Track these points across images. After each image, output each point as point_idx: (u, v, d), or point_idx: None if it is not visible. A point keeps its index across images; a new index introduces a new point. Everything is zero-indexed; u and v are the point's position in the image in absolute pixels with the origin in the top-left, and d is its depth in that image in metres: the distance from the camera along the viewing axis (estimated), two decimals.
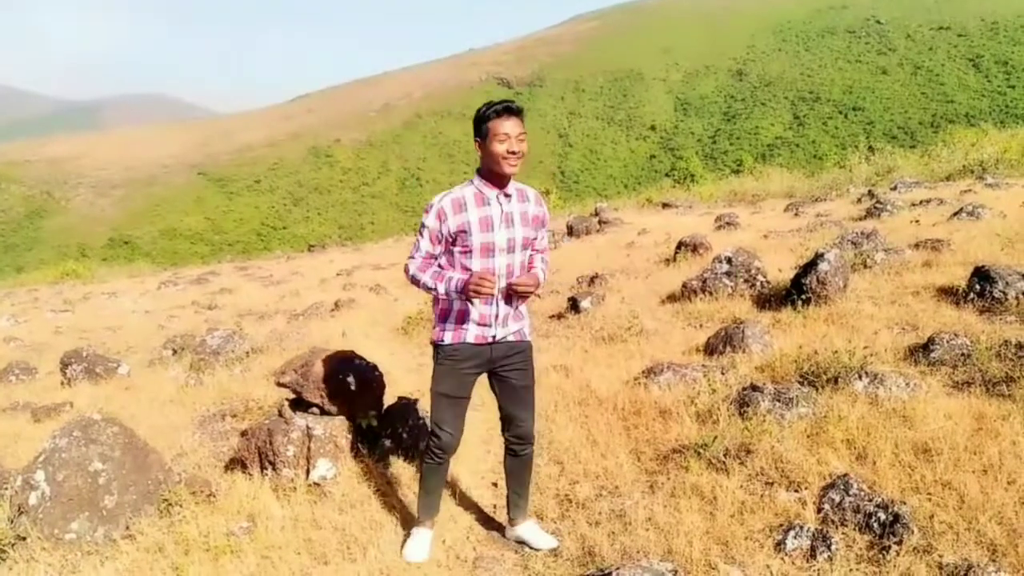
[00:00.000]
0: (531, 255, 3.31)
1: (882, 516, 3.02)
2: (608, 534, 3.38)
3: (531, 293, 3.15)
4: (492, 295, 3.04)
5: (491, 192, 3.12)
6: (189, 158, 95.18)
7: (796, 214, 14.16)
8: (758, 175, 25.26)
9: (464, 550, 3.51)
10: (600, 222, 16.63)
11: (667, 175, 58.29)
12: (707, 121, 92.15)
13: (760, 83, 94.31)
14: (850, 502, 3.16)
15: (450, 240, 3.12)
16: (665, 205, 20.30)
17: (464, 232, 3.08)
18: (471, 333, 3.19)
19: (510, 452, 3.46)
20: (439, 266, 3.21)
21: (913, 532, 2.91)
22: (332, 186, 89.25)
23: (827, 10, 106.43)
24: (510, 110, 3.04)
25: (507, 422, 3.40)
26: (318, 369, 4.33)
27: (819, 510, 3.21)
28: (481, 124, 3.06)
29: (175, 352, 8.44)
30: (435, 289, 3.13)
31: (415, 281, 3.19)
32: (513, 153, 3.03)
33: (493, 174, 3.10)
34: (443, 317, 3.25)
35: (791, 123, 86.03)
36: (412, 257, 3.20)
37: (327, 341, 7.76)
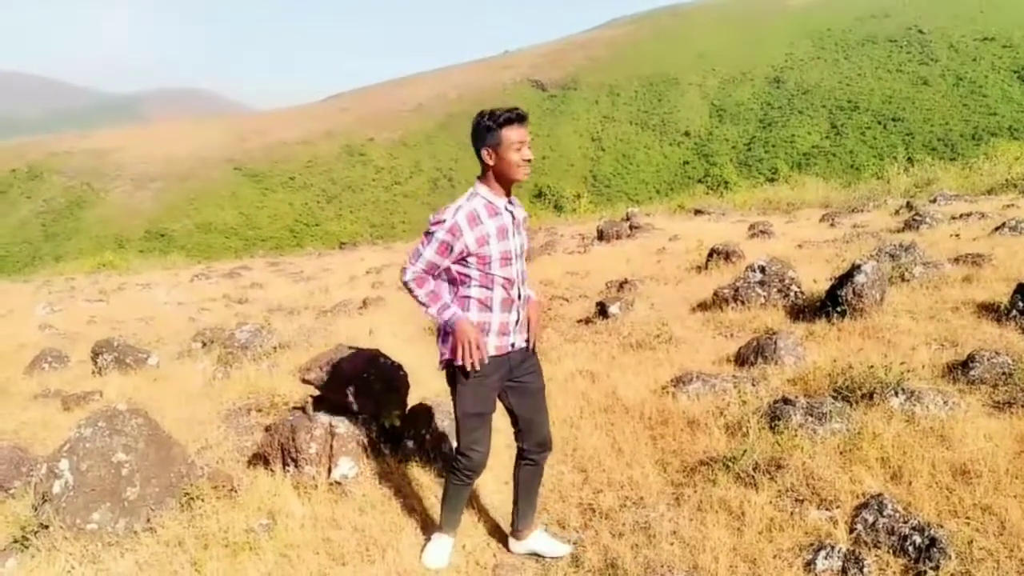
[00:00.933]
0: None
1: (918, 539, 2.91)
2: (631, 546, 3.30)
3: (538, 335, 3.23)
4: (476, 364, 3.01)
5: (500, 201, 3.06)
6: (225, 153, 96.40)
7: (832, 224, 13.93)
8: (793, 184, 24.96)
9: (484, 556, 3.45)
10: (631, 227, 16.50)
11: (700, 181, 57.81)
12: (742, 128, 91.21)
13: (797, 91, 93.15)
14: (884, 523, 3.05)
15: (465, 254, 3.01)
16: (697, 212, 20.10)
17: (485, 244, 3.00)
18: (492, 345, 3.10)
19: (528, 462, 3.37)
20: (441, 276, 3.11)
21: (951, 558, 2.80)
22: (365, 184, 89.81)
23: (868, 18, 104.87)
24: (522, 117, 2.98)
25: (526, 429, 3.31)
26: (343, 367, 4.31)
27: (851, 530, 3.11)
28: (491, 133, 2.96)
29: (204, 345, 8.50)
30: (426, 307, 3.06)
31: (408, 290, 3.07)
32: (528, 161, 3.00)
33: (505, 182, 3.04)
34: None
35: (828, 132, 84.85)
36: (411, 263, 3.03)
37: (354, 339, 7.76)
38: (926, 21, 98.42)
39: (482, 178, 3.07)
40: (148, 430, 3.83)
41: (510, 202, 3.11)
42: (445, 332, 3.11)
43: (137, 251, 48.13)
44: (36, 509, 3.57)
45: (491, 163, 3.00)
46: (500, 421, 3.38)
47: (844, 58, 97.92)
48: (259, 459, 4.42)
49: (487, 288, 3.07)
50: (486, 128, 2.97)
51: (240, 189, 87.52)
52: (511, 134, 2.94)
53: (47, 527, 3.43)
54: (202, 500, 3.75)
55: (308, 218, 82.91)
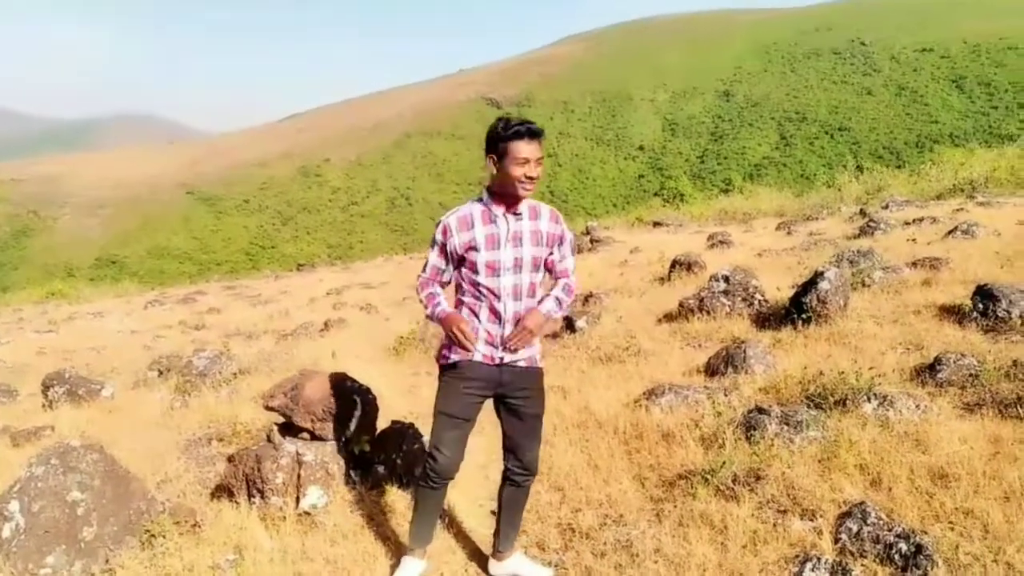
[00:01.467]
0: (556, 281, 3.20)
1: (903, 547, 2.88)
2: (615, 566, 3.22)
3: (526, 343, 3.06)
4: (470, 351, 3.02)
5: (498, 210, 3.00)
6: (178, 177, 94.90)
7: (789, 232, 14.12)
8: (748, 194, 25.32)
9: None
10: (592, 241, 16.55)
11: (656, 194, 58.43)
12: (695, 141, 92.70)
13: (747, 104, 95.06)
14: (869, 532, 3.02)
15: (457, 257, 3.04)
16: (656, 224, 20.26)
17: (471, 250, 2.98)
18: (478, 352, 3.05)
19: (511, 482, 3.27)
20: (442, 284, 3.16)
21: (938, 564, 2.77)
22: (321, 205, 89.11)
23: (813, 32, 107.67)
24: (532, 132, 2.89)
25: (512, 451, 3.22)
26: (308, 392, 4.16)
27: (836, 540, 3.06)
28: (499, 142, 2.90)
29: (161, 373, 8.24)
30: (427, 308, 3.14)
31: (419, 295, 3.19)
32: (530, 178, 2.92)
33: (505, 194, 2.98)
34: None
35: (778, 143, 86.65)
36: (421, 271, 3.18)
37: (316, 362, 7.59)
38: (868, 33, 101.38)
39: (488, 184, 3.06)
40: (104, 465, 3.64)
41: (515, 213, 3.01)
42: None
43: (87, 279, 46.97)
44: None
45: (493, 171, 2.96)
46: (471, 441, 3.29)
47: (791, 71, 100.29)
48: (223, 491, 4.24)
49: (475, 296, 3.05)
50: (497, 137, 2.92)
51: (193, 213, 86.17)
52: (517, 148, 2.88)
53: None
54: (164, 537, 3.56)
55: (264, 240, 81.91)
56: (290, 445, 4.04)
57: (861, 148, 77.86)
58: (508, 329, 3.05)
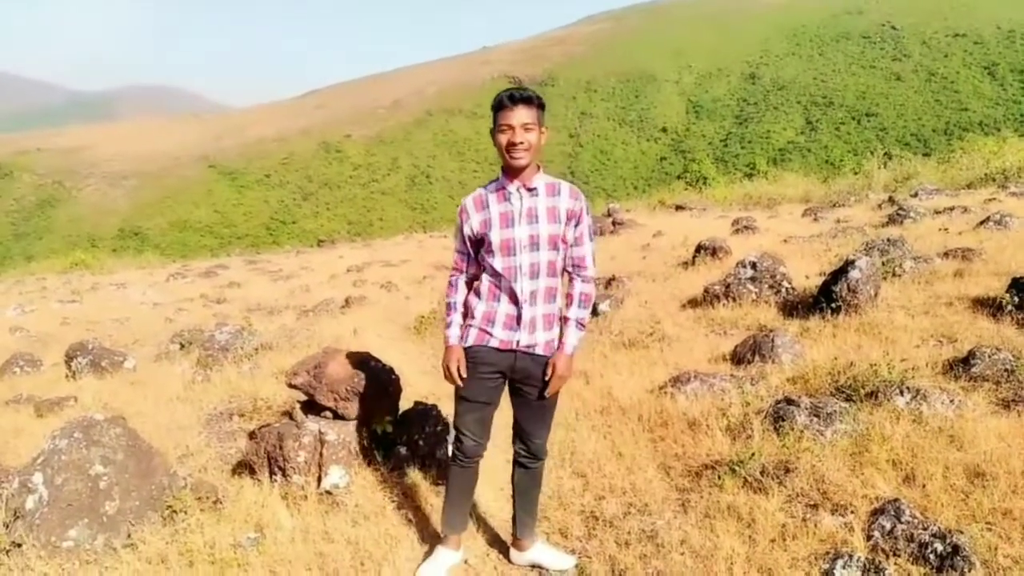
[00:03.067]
0: (571, 281, 3.07)
1: (939, 547, 2.80)
2: (639, 556, 3.16)
3: (559, 387, 3.09)
4: (456, 382, 3.05)
5: (512, 186, 2.93)
6: (200, 151, 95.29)
7: (815, 219, 13.92)
8: (772, 179, 25.00)
9: (485, 569, 3.30)
10: (614, 223, 16.39)
11: (679, 177, 57.90)
12: (719, 124, 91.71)
13: (773, 87, 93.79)
14: (903, 530, 2.94)
15: (475, 240, 2.99)
16: (679, 207, 20.06)
17: (487, 229, 2.93)
18: (496, 338, 2.99)
19: (519, 464, 3.25)
20: (474, 276, 3.12)
21: (975, 566, 2.69)
22: (342, 182, 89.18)
23: (842, 15, 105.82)
24: (513, 98, 2.84)
25: (520, 436, 3.20)
26: (332, 371, 4.13)
27: (868, 537, 2.99)
28: (493, 115, 2.91)
29: (182, 346, 8.26)
30: (447, 312, 3.17)
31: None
32: (515, 144, 2.83)
33: (506, 166, 2.93)
34: (468, 314, 3.08)
35: (803, 128, 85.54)
36: (454, 265, 3.17)
37: (337, 339, 7.58)
38: (899, 18, 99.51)
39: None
40: (127, 440, 3.63)
41: (529, 189, 2.93)
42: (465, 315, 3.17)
43: (110, 250, 47.38)
44: (7, 526, 3.35)
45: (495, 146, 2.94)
46: (498, 426, 3.25)
47: (819, 54, 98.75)
48: (244, 468, 4.23)
49: (494, 278, 3.00)
50: (492, 109, 2.92)
51: (215, 187, 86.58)
52: (500, 116, 2.86)
53: (20, 545, 3.23)
54: (185, 513, 3.55)
55: (284, 215, 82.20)
56: (312, 424, 4.01)
57: (888, 135, 76.72)
58: (526, 310, 2.97)
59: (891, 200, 14.70)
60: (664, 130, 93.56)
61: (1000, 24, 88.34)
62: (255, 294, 14.09)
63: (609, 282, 9.15)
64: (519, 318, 2.97)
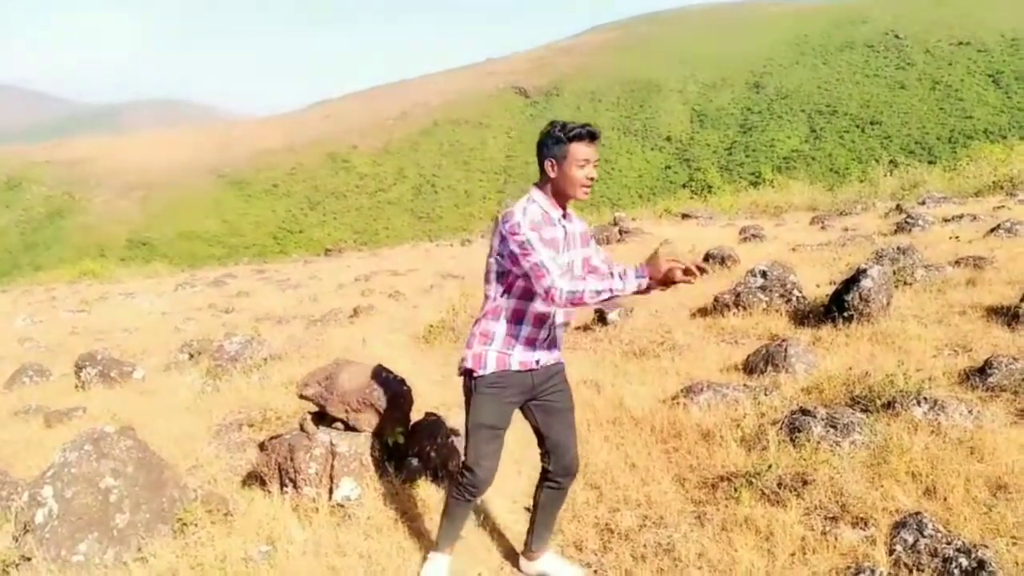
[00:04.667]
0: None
1: (964, 562, 2.74)
2: (656, 571, 3.12)
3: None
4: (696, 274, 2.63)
5: (555, 213, 2.90)
6: (208, 161, 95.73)
7: (822, 227, 13.87)
8: (778, 187, 24.96)
9: None
10: (621, 232, 16.36)
11: (684, 186, 57.96)
12: (723, 133, 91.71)
13: (777, 96, 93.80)
14: (926, 544, 2.89)
15: (515, 256, 2.82)
16: (685, 216, 20.02)
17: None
18: (516, 359, 2.94)
19: (552, 484, 3.17)
20: (503, 279, 2.92)
21: None
22: (348, 191, 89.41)
23: (846, 24, 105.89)
24: (592, 135, 2.82)
25: (552, 451, 3.12)
26: (343, 382, 4.10)
27: (890, 552, 2.93)
28: (558, 145, 2.81)
29: (191, 356, 8.25)
30: (612, 290, 2.70)
31: (576, 298, 2.70)
32: (591, 180, 2.85)
33: (562, 196, 2.89)
34: (485, 340, 2.95)
35: (808, 136, 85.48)
36: (547, 277, 2.71)
37: (347, 349, 7.55)
38: (902, 26, 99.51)
39: (540, 185, 2.92)
40: (138, 452, 3.61)
41: (565, 216, 2.94)
42: (471, 336, 3.01)
43: (119, 259, 47.56)
44: (17, 540, 3.33)
45: (552, 175, 2.85)
46: (507, 436, 3.21)
47: (823, 63, 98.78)
48: (254, 479, 4.20)
49: (524, 299, 2.90)
50: (555, 139, 2.82)
51: (223, 197, 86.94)
52: (578, 150, 2.80)
53: (29, 559, 3.20)
54: (196, 526, 3.52)
55: (292, 225, 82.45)
56: (324, 435, 3.98)
57: (892, 143, 76.62)
58: (550, 334, 2.98)
59: (899, 208, 14.65)
60: (668, 139, 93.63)
61: (1004, 32, 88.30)
62: (263, 303, 14.08)
63: None
64: (542, 340, 2.97)
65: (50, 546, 3.24)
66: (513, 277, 2.88)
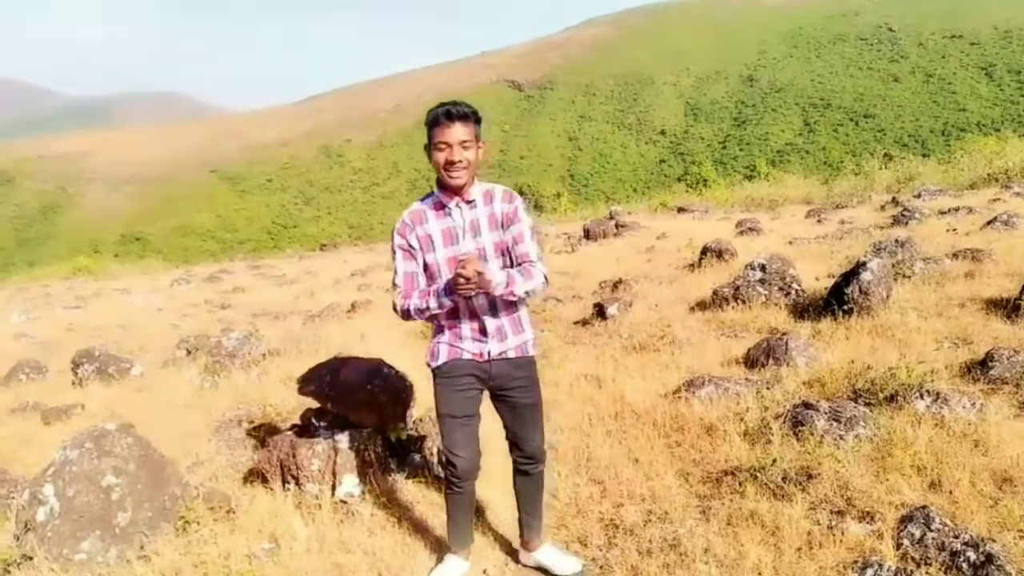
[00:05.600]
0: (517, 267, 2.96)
1: (972, 556, 2.74)
2: (663, 566, 3.10)
3: (470, 286, 2.66)
4: (474, 280, 2.62)
5: (450, 201, 2.88)
6: (201, 156, 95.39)
7: (819, 221, 13.88)
8: (773, 181, 24.97)
9: None
10: (617, 226, 16.35)
11: (679, 179, 57.92)
12: (717, 126, 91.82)
13: (771, 89, 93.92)
14: (933, 538, 2.88)
15: (419, 256, 2.90)
16: (681, 209, 20.03)
17: (427, 247, 2.86)
18: (466, 351, 2.95)
19: (519, 472, 3.20)
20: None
21: (1011, 575, 2.63)
22: (343, 186, 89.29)
23: (839, 17, 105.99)
24: (450, 115, 2.76)
25: (514, 441, 3.15)
26: (344, 378, 4.09)
27: (898, 545, 2.93)
28: (427, 129, 2.82)
29: (189, 353, 8.21)
30: (428, 308, 2.83)
31: (407, 314, 2.88)
32: (453, 163, 2.77)
33: (442, 184, 2.87)
34: (438, 331, 3.01)
35: (801, 129, 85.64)
36: (393, 289, 2.94)
37: (345, 344, 7.52)
38: (895, 19, 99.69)
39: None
40: (139, 450, 3.58)
41: (467, 201, 2.89)
42: (435, 332, 3.04)
43: (113, 255, 47.37)
44: (18, 539, 3.30)
45: (429, 162, 2.86)
46: (498, 428, 3.20)
47: (816, 56, 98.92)
48: (256, 476, 4.18)
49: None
50: (426, 124, 2.84)
51: (216, 191, 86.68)
52: (435, 133, 2.78)
53: (31, 558, 3.18)
54: (199, 523, 3.50)
55: (286, 220, 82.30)
56: (326, 432, 3.97)
57: (886, 135, 76.83)
58: (490, 322, 2.94)
59: (895, 201, 14.66)
60: (663, 133, 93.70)
61: (997, 25, 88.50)
62: (260, 299, 14.04)
63: (616, 285, 9.10)
64: (484, 330, 2.95)
65: (52, 545, 3.21)
66: (429, 275, 2.92)
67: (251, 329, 7.92)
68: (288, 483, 3.91)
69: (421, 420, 4.36)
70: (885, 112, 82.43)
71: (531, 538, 3.28)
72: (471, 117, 2.80)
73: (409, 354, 7.24)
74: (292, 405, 5.46)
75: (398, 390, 4.17)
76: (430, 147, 2.81)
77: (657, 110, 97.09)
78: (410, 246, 2.88)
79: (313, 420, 4.10)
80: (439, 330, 3.00)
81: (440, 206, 2.88)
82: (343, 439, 3.93)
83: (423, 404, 4.55)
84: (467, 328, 2.94)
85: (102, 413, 6.01)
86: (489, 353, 2.95)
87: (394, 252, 2.91)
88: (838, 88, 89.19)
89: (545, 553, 3.28)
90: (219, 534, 3.45)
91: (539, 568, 3.27)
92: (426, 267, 2.90)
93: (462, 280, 2.64)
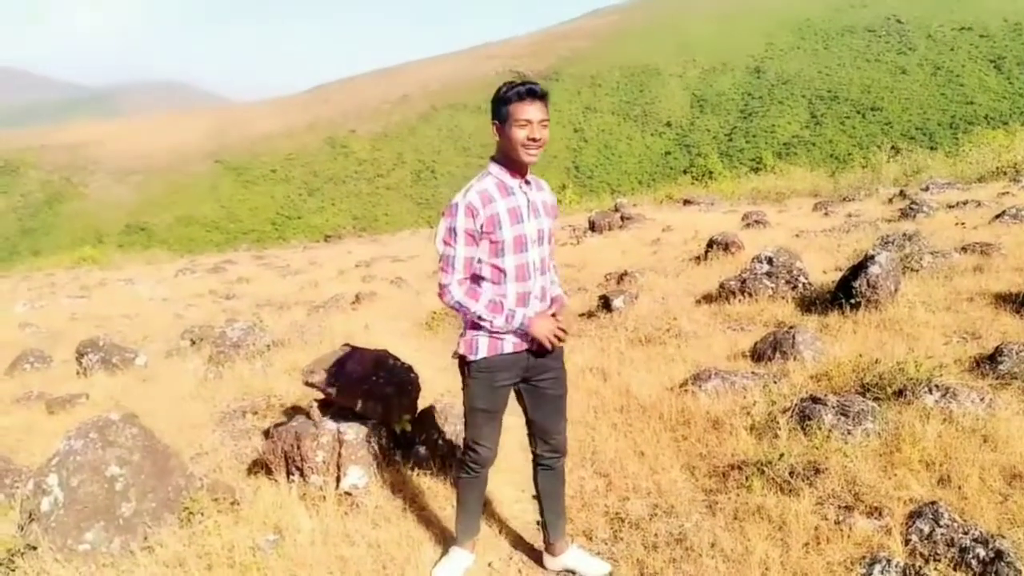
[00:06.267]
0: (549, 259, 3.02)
1: (981, 552, 2.71)
2: (669, 561, 3.09)
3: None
4: (560, 342, 2.91)
5: (513, 181, 2.84)
6: (206, 146, 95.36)
7: (826, 213, 13.82)
8: (780, 173, 24.86)
9: (509, 572, 3.23)
10: (622, 218, 16.30)
11: (685, 172, 57.74)
12: (723, 118, 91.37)
13: (778, 81, 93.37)
14: (942, 534, 2.85)
15: (479, 237, 2.81)
16: (686, 202, 19.94)
17: (494, 226, 2.78)
18: (508, 342, 2.89)
19: (543, 466, 3.15)
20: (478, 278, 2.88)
21: (1021, 573, 2.60)
22: (347, 177, 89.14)
23: (847, 8, 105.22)
24: (534, 93, 2.74)
25: (540, 434, 3.11)
26: (349, 369, 4.07)
27: (906, 541, 2.90)
28: (501, 106, 2.76)
29: (193, 343, 8.21)
30: (491, 322, 2.82)
31: (460, 308, 2.83)
32: (534, 140, 2.75)
33: (511, 161, 2.82)
34: (475, 325, 2.90)
35: (808, 122, 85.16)
36: (448, 274, 2.80)
37: (350, 335, 7.50)
38: (904, 11, 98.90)
39: (494, 156, 2.88)
40: (143, 440, 3.57)
41: (526, 182, 2.88)
42: (464, 322, 2.96)
43: (117, 245, 47.45)
44: (23, 528, 3.30)
45: (497, 139, 2.82)
46: (514, 422, 3.17)
47: (823, 48, 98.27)
48: (260, 467, 4.17)
49: (498, 279, 2.84)
50: (497, 100, 2.79)
51: (221, 182, 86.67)
52: (517, 110, 2.72)
53: (35, 548, 3.17)
54: (203, 515, 3.49)
55: (290, 211, 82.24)
56: (331, 423, 3.95)
57: (893, 128, 76.33)
58: (536, 306, 2.91)
59: (902, 194, 14.58)
60: (668, 124, 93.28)
61: (1007, 17, 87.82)
62: (264, 290, 14.03)
63: (621, 277, 9.06)
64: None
65: (56, 535, 3.20)
66: (478, 261, 2.85)
67: (255, 320, 7.91)
68: (292, 475, 3.89)
69: (426, 412, 4.33)
70: (892, 105, 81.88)
71: (556, 540, 3.22)
72: (547, 97, 2.81)
73: (414, 345, 7.25)
74: (296, 396, 5.46)
75: (403, 382, 4.15)
76: (506, 123, 2.75)
77: (663, 102, 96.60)
78: (475, 230, 2.77)
79: (318, 411, 4.08)
80: (476, 323, 2.90)
81: (503, 185, 2.83)
82: (348, 431, 3.91)
83: (426, 396, 4.53)
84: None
85: (106, 403, 6.01)
86: (531, 343, 2.92)
87: (454, 233, 2.77)
88: (845, 80, 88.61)
89: (572, 556, 3.22)
90: (223, 525, 3.43)
91: (565, 571, 3.21)
92: (495, 242, 2.80)
93: (557, 341, 2.90)
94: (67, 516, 3.26)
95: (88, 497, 3.30)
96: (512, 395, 3.07)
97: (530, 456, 4.25)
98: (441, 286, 2.82)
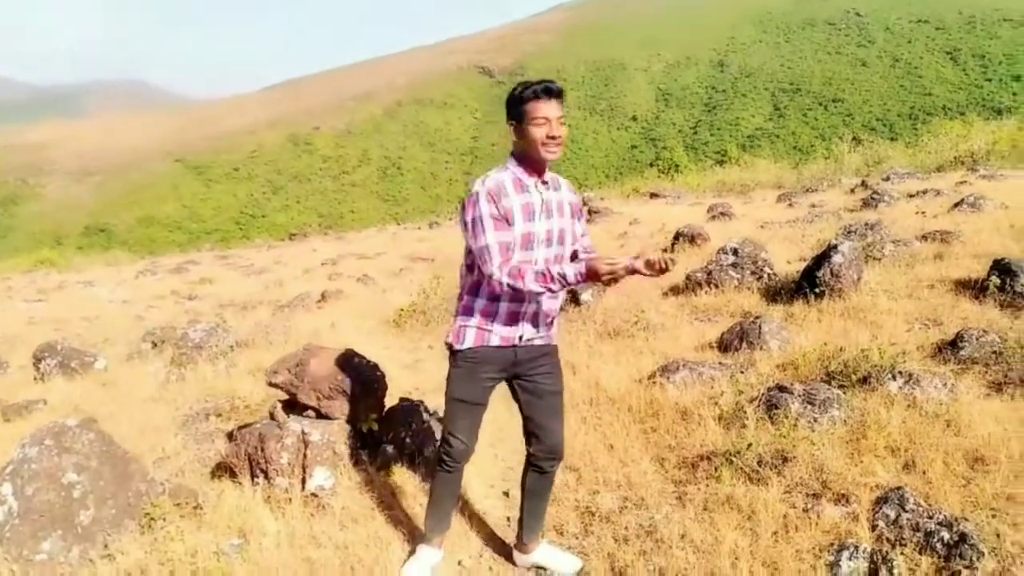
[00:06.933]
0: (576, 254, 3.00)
1: (946, 536, 2.74)
2: (640, 553, 3.08)
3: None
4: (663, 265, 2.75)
5: (529, 179, 2.81)
6: (166, 145, 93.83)
7: (790, 204, 13.96)
8: (744, 166, 25.09)
9: (480, 570, 3.19)
10: (590, 211, 16.31)
11: (651, 165, 58.07)
12: (688, 112, 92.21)
13: (741, 74, 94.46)
14: (908, 519, 2.88)
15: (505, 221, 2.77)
16: (653, 195, 20.04)
17: (508, 221, 2.76)
18: (496, 335, 2.86)
19: (535, 468, 3.10)
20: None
21: (984, 554, 2.63)
22: (312, 174, 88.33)
23: (807, 1, 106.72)
24: (550, 91, 2.71)
25: (535, 434, 3.05)
26: (314, 368, 3.99)
27: (873, 527, 2.93)
28: (517, 105, 2.74)
29: (155, 345, 8.04)
30: (548, 290, 2.69)
31: (513, 288, 2.71)
32: (552, 138, 2.73)
33: (530, 160, 2.79)
34: (466, 313, 2.90)
35: (771, 114, 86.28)
36: (490, 261, 2.70)
37: (315, 334, 7.42)
38: (862, 4, 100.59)
39: (513, 152, 2.85)
40: (101, 445, 3.47)
41: (544, 182, 2.85)
42: (456, 310, 2.94)
43: (76, 248, 46.48)
44: None
45: (515, 138, 2.79)
46: (487, 417, 3.13)
47: (785, 41, 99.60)
48: (224, 470, 4.08)
49: None
50: (513, 100, 2.76)
51: (182, 181, 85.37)
52: (535, 108, 2.71)
53: None
54: (165, 520, 3.40)
55: (254, 209, 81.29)
56: (295, 424, 3.87)
57: (854, 120, 77.63)
58: (529, 307, 2.88)
59: (864, 184, 14.79)
60: (634, 118, 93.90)
61: (961, 10, 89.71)
62: (227, 290, 13.81)
63: None
64: (523, 314, 2.89)
65: (11, 545, 3.10)
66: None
67: (218, 320, 7.78)
68: (257, 477, 3.81)
69: (393, 410, 4.28)
70: (853, 96, 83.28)
71: (529, 540, 3.20)
72: (563, 95, 2.78)
73: (381, 343, 7.18)
74: (261, 397, 5.37)
75: (369, 380, 4.09)
76: (523, 122, 2.73)
77: (628, 96, 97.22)
78: (499, 214, 2.72)
79: (282, 412, 4.00)
80: (466, 311, 2.90)
81: (520, 182, 2.80)
82: (313, 431, 3.84)
83: (394, 394, 4.48)
84: (504, 311, 2.86)
85: (65, 408, 5.85)
86: (521, 338, 2.90)
87: (480, 220, 2.71)
88: (807, 73, 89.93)
89: (543, 552, 3.20)
90: (186, 531, 3.36)
91: (535, 567, 3.19)
92: None
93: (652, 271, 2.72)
94: (23, 526, 3.15)
95: (44, 506, 3.21)
96: (511, 396, 3.06)
97: (496, 452, 4.25)
98: (488, 278, 2.76)
